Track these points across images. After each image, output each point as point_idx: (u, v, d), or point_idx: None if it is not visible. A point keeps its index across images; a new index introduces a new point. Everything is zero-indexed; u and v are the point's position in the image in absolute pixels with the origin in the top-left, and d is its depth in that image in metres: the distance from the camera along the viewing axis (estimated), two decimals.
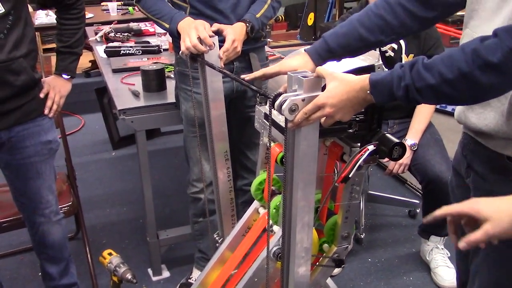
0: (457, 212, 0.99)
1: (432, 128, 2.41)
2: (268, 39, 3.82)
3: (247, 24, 1.87)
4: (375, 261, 2.59)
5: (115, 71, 2.60)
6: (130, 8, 4.50)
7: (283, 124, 1.28)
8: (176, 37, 1.84)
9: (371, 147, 1.27)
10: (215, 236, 1.91)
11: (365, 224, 2.80)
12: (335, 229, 1.47)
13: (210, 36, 1.67)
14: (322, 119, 1.13)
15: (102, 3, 4.90)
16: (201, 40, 1.64)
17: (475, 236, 0.92)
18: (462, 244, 0.94)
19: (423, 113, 2.32)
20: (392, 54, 2.28)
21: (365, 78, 1.07)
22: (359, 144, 1.30)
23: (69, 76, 1.95)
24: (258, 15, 1.93)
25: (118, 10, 4.53)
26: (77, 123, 4.39)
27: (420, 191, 3.04)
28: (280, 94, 1.15)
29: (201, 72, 1.69)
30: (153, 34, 3.39)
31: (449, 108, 4.13)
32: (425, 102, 1.03)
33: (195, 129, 2.01)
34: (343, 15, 2.43)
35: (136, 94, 2.25)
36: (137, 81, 2.40)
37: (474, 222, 0.95)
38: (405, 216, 2.96)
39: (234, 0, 1.93)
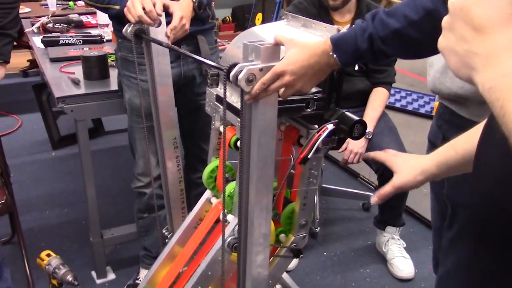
0: (380, 158, 1.12)
1: (386, 117, 2.38)
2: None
3: (194, 0, 1.76)
4: (331, 255, 2.53)
5: (53, 60, 2.41)
6: (71, 3, 4.29)
7: (237, 105, 1.19)
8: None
9: (330, 126, 1.20)
10: (163, 231, 1.79)
11: (320, 218, 2.74)
12: (292, 218, 1.39)
13: (158, 15, 1.55)
14: (281, 91, 1.04)
15: None
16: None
17: (384, 189, 1.05)
18: (374, 198, 1.07)
19: (377, 101, 2.29)
20: None
21: (326, 40, 0.99)
22: (316, 126, 1.23)
23: (2, 61, 1.78)
24: None
25: (58, 5, 4.30)
26: (14, 123, 4.13)
27: (372, 184, 3.01)
28: (235, 64, 1.06)
29: (147, 52, 1.57)
30: (95, 26, 3.20)
31: (397, 104, 4.17)
32: (391, 53, 0.96)
33: (140, 119, 1.88)
34: (294, 1, 2.36)
35: (76, 82, 2.09)
36: (77, 71, 2.23)
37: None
38: (359, 209, 2.92)
39: None
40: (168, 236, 1.77)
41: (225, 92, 1.16)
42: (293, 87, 1.02)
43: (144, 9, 1.55)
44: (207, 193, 1.56)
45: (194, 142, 2.15)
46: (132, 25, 1.53)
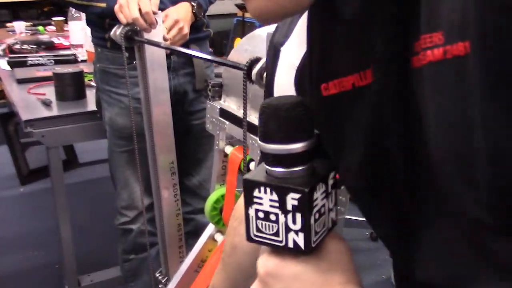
0: None
1: None
2: None
3: (193, 3, 1.52)
4: None
5: (20, 81, 2.12)
6: (41, 27, 4.03)
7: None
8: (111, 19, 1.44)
9: None
10: (157, 275, 1.50)
11: None
12: None
13: (154, 13, 1.31)
14: None
15: (8, 24, 4.37)
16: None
17: None
18: None
19: None
20: None
21: None
22: None
23: None
24: None
25: (27, 31, 4.04)
26: None
27: None
28: (258, 59, 0.82)
29: (140, 60, 1.31)
30: (67, 48, 2.94)
31: None
32: None
33: (122, 141, 1.61)
34: None
35: (47, 103, 1.81)
36: (49, 92, 1.95)
37: None
38: (366, 239, 2.66)
39: None
40: (163, 281, 1.48)
41: (245, 96, 0.90)
42: None
43: (140, 10, 1.30)
44: (210, 229, 1.30)
45: (182, 170, 1.86)
46: (122, 26, 1.27)
